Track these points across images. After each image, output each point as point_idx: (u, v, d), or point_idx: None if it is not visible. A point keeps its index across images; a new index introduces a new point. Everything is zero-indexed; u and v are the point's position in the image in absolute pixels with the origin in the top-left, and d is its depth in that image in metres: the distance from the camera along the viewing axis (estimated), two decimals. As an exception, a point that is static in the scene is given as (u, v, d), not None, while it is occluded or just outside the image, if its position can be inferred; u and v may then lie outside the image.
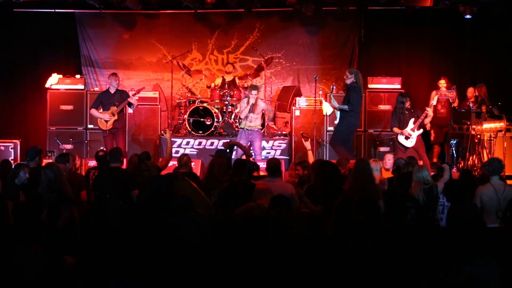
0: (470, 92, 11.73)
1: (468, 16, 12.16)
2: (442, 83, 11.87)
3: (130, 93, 10.75)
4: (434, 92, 12.01)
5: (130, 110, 11.17)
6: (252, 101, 10.30)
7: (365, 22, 13.24)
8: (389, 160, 8.84)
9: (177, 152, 10.98)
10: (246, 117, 10.37)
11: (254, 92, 10.34)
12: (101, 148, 10.32)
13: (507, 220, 5.85)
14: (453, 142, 11.03)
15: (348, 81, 10.45)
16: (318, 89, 11.41)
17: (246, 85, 12.57)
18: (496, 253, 4.24)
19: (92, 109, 10.78)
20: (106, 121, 10.59)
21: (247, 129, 10.41)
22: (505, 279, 4.03)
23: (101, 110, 10.70)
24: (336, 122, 10.80)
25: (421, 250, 4.48)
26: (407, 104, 10.41)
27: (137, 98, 10.87)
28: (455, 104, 11.84)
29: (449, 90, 11.72)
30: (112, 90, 10.74)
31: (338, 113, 10.68)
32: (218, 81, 12.58)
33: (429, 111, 10.43)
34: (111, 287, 4.00)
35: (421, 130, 10.42)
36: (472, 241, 4.24)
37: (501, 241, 4.63)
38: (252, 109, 10.32)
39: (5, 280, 3.82)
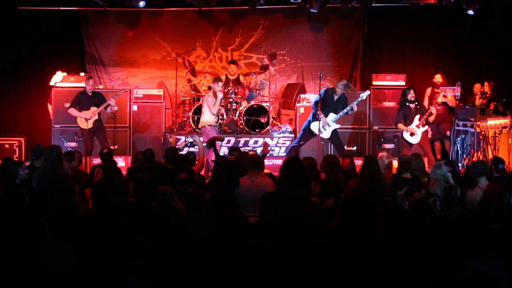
0: (477, 88, 11.68)
1: (471, 12, 12.09)
2: (438, 77, 11.87)
3: (113, 97, 11.00)
4: (429, 89, 12.00)
5: (108, 110, 11.25)
6: (220, 95, 10.31)
7: (369, 19, 13.26)
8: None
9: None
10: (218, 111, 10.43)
11: (220, 83, 10.37)
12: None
13: (499, 219, 5.73)
14: (458, 138, 11.01)
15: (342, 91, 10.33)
16: (322, 86, 11.37)
17: (251, 83, 12.60)
18: (501, 249, 4.22)
19: (71, 108, 10.93)
20: (87, 121, 10.82)
21: (214, 125, 10.44)
22: (510, 275, 4.01)
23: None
24: (335, 124, 10.41)
25: (427, 245, 4.46)
26: (409, 96, 10.37)
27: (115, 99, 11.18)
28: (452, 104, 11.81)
29: (455, 87, 11.68)
30: (90, 92, 11.02)
31: (332, 118, 10.32)
32: (222, 78, 12.55)
33: (433, 109, 10.40)
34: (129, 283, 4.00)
35: (426, 127, 10.41)
36: (477, 235, 4.21)
37: (505, 237, 4.61)
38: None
39: (34, 275, 3.84)
